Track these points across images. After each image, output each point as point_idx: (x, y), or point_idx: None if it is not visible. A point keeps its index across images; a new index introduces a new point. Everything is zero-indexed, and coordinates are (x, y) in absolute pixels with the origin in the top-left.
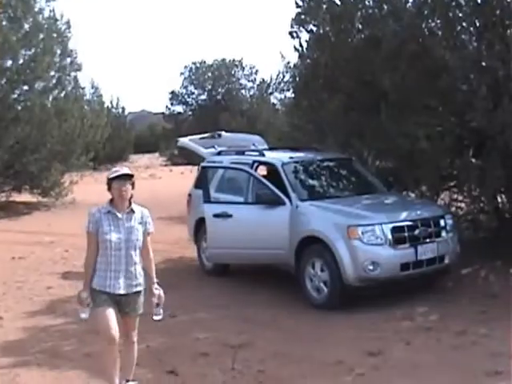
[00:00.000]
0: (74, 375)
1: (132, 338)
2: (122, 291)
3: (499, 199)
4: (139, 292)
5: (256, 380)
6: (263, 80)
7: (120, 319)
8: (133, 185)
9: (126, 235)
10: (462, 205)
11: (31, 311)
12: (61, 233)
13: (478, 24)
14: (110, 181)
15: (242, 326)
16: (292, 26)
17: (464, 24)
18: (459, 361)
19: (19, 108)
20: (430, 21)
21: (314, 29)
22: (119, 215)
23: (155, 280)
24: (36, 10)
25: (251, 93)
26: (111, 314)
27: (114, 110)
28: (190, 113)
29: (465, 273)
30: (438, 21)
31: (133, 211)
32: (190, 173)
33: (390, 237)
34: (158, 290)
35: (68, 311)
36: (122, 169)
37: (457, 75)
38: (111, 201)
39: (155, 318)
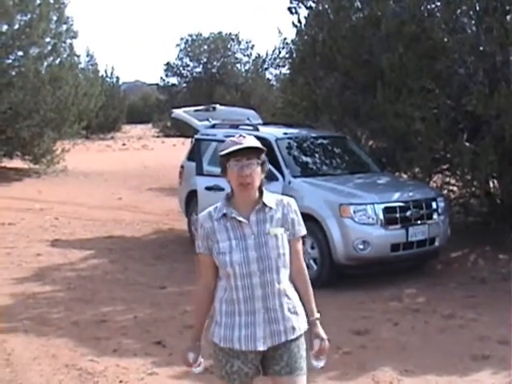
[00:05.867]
0: (62, 343)
1: None
2: (262, 347)
3: (491, 184)
4: (295, 340)
5: None
6: (259, 55)
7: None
8: (263, 165)
9: (259, 250)
10: (454, 188)
11: (19, 277)
12: (51, 200)
13: (478, 8)
14: (223, 159)
15: None
16: (291, 2)
17: (464, 7)
18: (446, 344)
19: (13, 73)
20: (430, 3)
21: (313, 5)
22: (242, 219)
23: (316, 314)
24: None
25: (246, 67)
26: None
27: (108, 79)
28: (184, 85)
29: (454, 256)
30: (439, 3)
31: (265, 206)
32: (182, 145)
33: (381, 217)
34: (318, 339)
35: (56, 278)
36: (246, 139)
37: (455, 58)
38: (229, 196)
39: (315, 364)
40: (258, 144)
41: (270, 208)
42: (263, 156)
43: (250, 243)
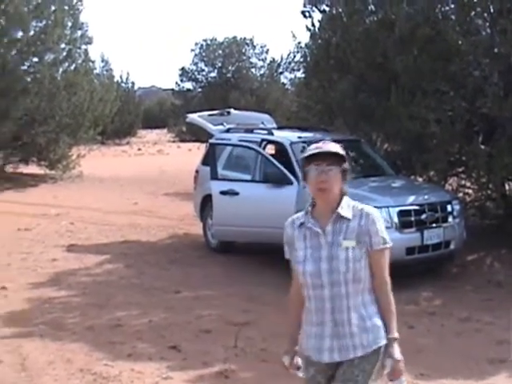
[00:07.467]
0: (77, 347)
1: None
2: (327, 359)
3: (507, 187)
4: (364, 358)
5: (258, 358)
6: (273, 59)
7: None
8: (344, 174)
9: (330, 262)
10: (470, 191)
11: (35, 282)
12: (67, 206)
13: (492, 10)
14: (303, 164)
15: (246, 304)
16: (305, 6)
17: (478, 9)
18: (462, 347)
19: (29, 80)
20: (444, 5)
21: (327, 9)
22: (317, 229)
23: (393, 333)
24: None
25: (261, 72)
26: None
27: (123, 85)
28: (199, 90)
29: (470, 259)
30: (452, 5)
31: (341, 218)
32: (198, 150)
33: (396, 220)
34: (390, 359)
35: (72, 283)
36: (328, 145)
37: (469, 60)
38: (313, 203)
39: None
40: (339, 150)
41: (347, 219)
42: (345, 165)
43: (323, 254)
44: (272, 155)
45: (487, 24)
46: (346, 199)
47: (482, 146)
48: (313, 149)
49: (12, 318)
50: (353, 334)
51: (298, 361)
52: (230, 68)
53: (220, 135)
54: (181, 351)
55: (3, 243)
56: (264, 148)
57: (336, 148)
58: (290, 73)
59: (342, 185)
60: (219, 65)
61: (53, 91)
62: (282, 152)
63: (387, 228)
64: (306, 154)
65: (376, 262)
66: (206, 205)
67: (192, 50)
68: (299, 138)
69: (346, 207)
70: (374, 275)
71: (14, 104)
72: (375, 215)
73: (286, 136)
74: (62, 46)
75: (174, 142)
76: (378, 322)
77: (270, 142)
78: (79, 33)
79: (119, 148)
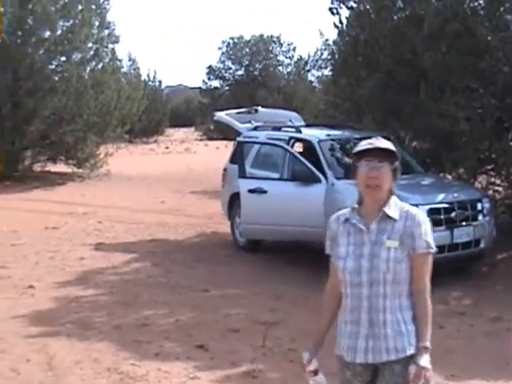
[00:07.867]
0: (104, 347)
1: None
2: (361, 359)
3: None
4: (404, 366)
5: (286, 358)
6: (301, 57)
7: None
8: (395, 172)
9: (371, 260)
10: (500, 189)
11: (63, 281)
12: (95, 204)
13: None
14: (353, 158)
15: (274, 303)
16: (332, 3)
17: (507, 5)
18: (492, 347)
19: (56, 79)
20: (473, 0)
21: (355, 5)
22: (362, 226)
23: (424, 342)
24: None
25: (288, 69)
26: None
27: (150, 83)
28: (226, 88)
29: (500, 258)
30: (481, 0)
31: (387, 217)
32: (225, 148)
33: None
34: (414, 366)
35: (99, 282)
36: (378, 140)
37: (499, 57)
38: (360, 200)
39: None
40: (392, 147)
41: (394, 219)
42: (397, 163)
43: (365, 252)
44: (300, 153)
45: None
46: (393, 199)
47: None
48: (364, 144)
49: (39, 317)
50: (387, 337)
51: (316, 363)
52: (257, 66)
53: (248, 133)
54: (208, 350)
55: (31, 242)
56: (292, 146)
57: (388, 145)
58: (318, 70)
59: (391, 183)
60: (246, 63)
61: (80, 90)
62: (310, 150)
63: None
64: (357, 150)
65: (417, 267)
66: (233, 203)
67: (219, 48)
68: (327, 135)
69: (394, 206)
70: (414, 280)
71: (41, 103)
72: (421, 217)
73: (314, 134)
74: (90, 45)
75: (201, 140)
76: (414, 328)
77: (298, 139)
78: (106, 32)
79: (147, 146)
